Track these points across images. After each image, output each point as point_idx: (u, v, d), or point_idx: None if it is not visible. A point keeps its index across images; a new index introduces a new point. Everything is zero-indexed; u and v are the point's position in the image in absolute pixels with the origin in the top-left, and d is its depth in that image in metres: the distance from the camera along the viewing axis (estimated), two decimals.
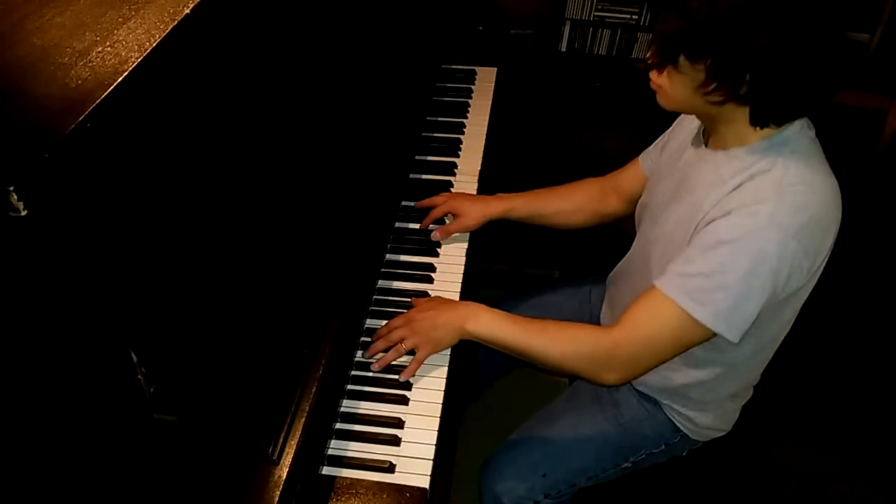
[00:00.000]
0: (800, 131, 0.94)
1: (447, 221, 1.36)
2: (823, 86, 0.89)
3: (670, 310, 0.96)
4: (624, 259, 1.28)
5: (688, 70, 0.89)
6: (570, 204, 1.36)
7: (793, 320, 1.06)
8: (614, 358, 1.02)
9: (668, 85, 0.93)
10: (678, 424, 1.20)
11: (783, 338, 1.09)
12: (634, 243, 1.23)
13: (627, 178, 1.31)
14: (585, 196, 1.36)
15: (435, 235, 1.32)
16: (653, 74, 0.95)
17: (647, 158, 1.28)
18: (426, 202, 1.37)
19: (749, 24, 0.82)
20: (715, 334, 0.96)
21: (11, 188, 0.57)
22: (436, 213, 1.35)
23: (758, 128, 0.93)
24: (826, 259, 0.97)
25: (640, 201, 1.23)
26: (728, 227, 0.91)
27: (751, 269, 0.90)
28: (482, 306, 1.12)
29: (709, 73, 0.87)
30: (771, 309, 0.96)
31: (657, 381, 1.16)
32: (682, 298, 0.95)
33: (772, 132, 0.94)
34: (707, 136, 1.03)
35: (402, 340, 1.10)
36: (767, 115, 0.91)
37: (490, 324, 1.09)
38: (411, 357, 1.11)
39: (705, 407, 1.17)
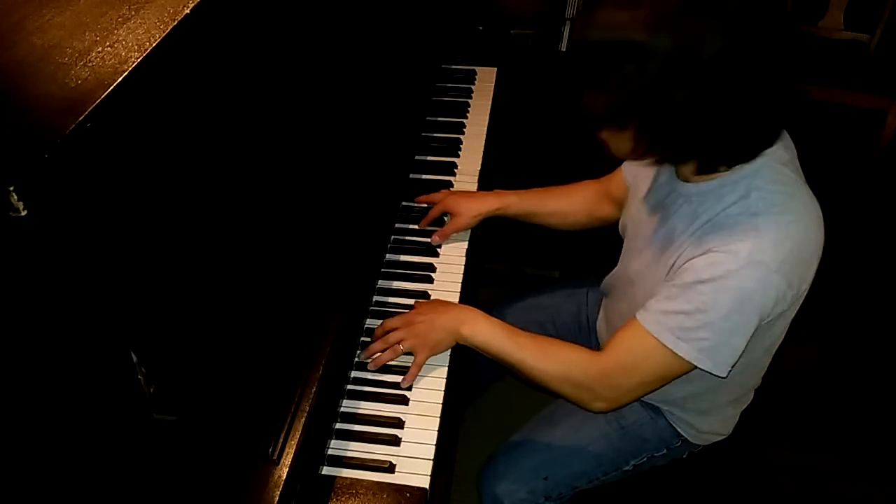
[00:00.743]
0: (771, 157, 0.92)
1: (446, 220, 1.36)
2: (763, 131, 0.87)
3: (653, 346, 0.95)
4: (615, 270, 1.26)
5: (616, 138, 0.88)
6: (565, 205, 1.36)
7: (785, 332, 1.05)
8: (600, 387, 1.02)
9: (608, 141, 0.91)
10: (679, 430, 1.20)
11: (777, 348, 1.08)
12: (621, 257, 1.22)
13: (616, 184, 1.31)
14: (581, 199, 1.35)
15: (434, 239, 1.32)
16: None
17: (628, 167, 1.26)
18: (424, 199, 1.37)
19: (667, 93, 0.80)
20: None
21: (11, 188, 0.57)
22: (433, 214, 1.35)
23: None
24: (810, 282, 0.96)
25: (622, 214, 1.22)
26: (707, 266, 0.89)
27: (734, 307, 0.89)
28: (481, 313, 1.12)
29: (637, 139, 0.87)
30: (759, 330, 0.95)
31: (655, 393, 1.16)
32: (664, 336, 0.94)
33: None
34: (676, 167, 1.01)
35: (399, 342, 1.10)
36: (713, 165, 0.90)
37: (485, 331, 1.09)
38: (409, 357, 1.11)
39: (705, 413, 1.17)
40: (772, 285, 0.88)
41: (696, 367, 0.96)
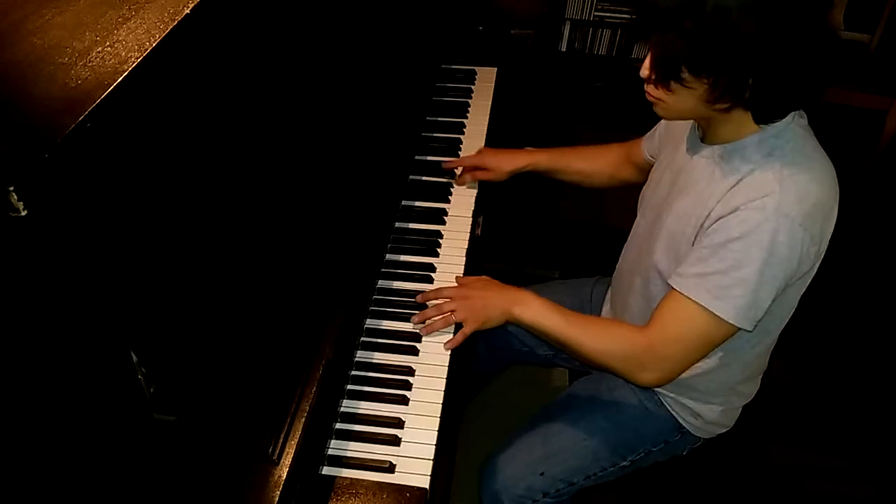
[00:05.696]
0: (792, 120, 0.97)
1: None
2: (820, 79, 0.92)
3: (694, 310, 0.98)
4: (621, 258, 1.29)
5: (693, 83, 0.90)
6: (590, 166, 1.42)
7: (795, 306, 1.08)
8: (648, 359, 1.05)
9: (671, 98, 0.94)
10: (682, 421, 1.21)
11: (784, 325, 1.11)
12: (630, 236, 1.25)
13: (636, 150, 1.36)
14: (605, 161, 1.42)
15: (465, 179, 1.43)
16: (650, 88, 0.96)
17: (648, 144, 1.31)
18: (456, 162, 1.45)
19: (748, 35, 0.83)
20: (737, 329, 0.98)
21: (11, 188, 0.57)
22: (465, 163, 1.44)
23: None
24: (827, 242, 0.99)
25: (641, 191, 1.25)
26: (737, 223, 0.93)
27: (764, 260, 0.93)
28: (532, 294, 1.16)
29: (714, 85, 0.89)
30: (778, 295, 0.99)
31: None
32: (702, 297, 0.97)
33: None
34: (703, 132, 1.05)
35: (452, 312, 1.15)
36: (771, 113, 0.94)
37: (537, 313, 1.12)
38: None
39: (712, 400, 1.18)
40: (798, 239, 0.92)
41: (736, 329, 0.98)
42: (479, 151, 1.46)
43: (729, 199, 0.95)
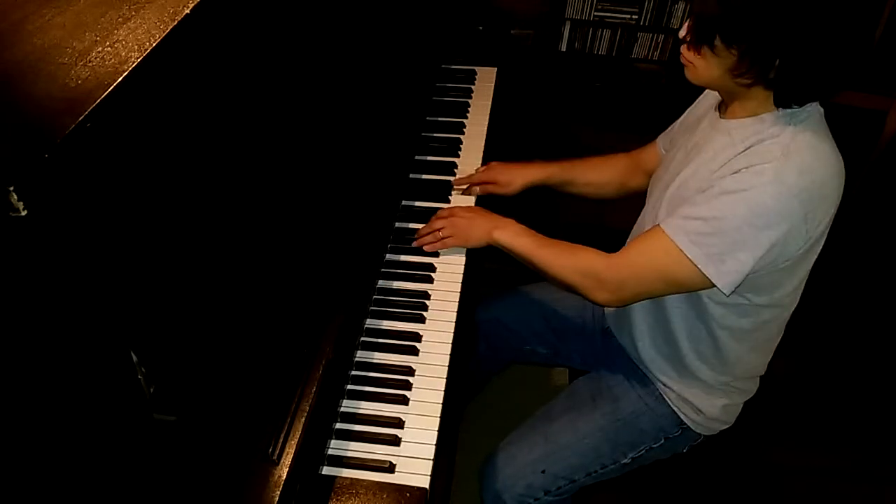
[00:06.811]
0: (812, 109, 0.98)
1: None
2: (844, 71, 0.93)
3: (666, 245, 1.01)
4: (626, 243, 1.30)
5: (722, 52, 0.94)
6: (601, 177, 1.43)
7: (794, 304, 1.09)
8: (605, 278, 1.10)
9: (701, 63, 0.98)
10: (682, 416, 1.21)
11: (784, 321, 1.11)
12: (636, 223, 1.26)
13: (648, 156, 1.37)
14: (615, 171, 1.42)
15: (474, 191, 1.42)
16: (684, 49, 0.99)
17: (665, 137, 1.33)
18: (465, 179, 1.45)
19: (782, 12, 0.87)
20: (707, 282, 1.00)
21: (11, 188, 0.57)
22: (476, 179, 1.43)
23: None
24: (825, 231, 1.00)
25: (653, 175, 1.26)
26: (734, 180, 0.95)
27: (748, 219, 0.94)
28: (514, 222, 1.24)
29: (741, 57, 0.92)
30: (770, 279, 1.00)
31: (669, 354, 1.18)
32: (679, 237, 1.00)
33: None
34: (724, 108, 1.06)
35: (441, 229, 1.27)
36: (791, 97, 0.95)
37: (513, 236, 1.21)
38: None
39: (713, 392, 1.18)
40: (789, 209, 0.93)
41: (701, 278, 1.00)
42: (489, 166, 1.45)
43: (734, 163, 0.97)
